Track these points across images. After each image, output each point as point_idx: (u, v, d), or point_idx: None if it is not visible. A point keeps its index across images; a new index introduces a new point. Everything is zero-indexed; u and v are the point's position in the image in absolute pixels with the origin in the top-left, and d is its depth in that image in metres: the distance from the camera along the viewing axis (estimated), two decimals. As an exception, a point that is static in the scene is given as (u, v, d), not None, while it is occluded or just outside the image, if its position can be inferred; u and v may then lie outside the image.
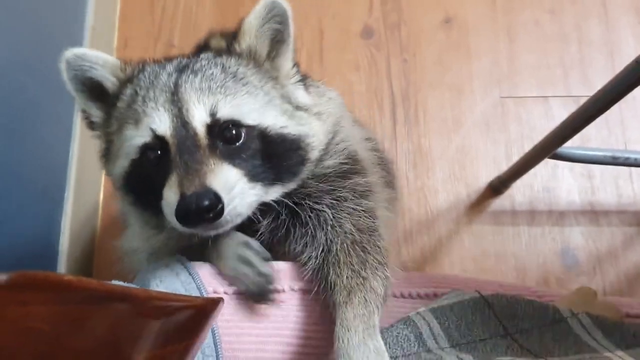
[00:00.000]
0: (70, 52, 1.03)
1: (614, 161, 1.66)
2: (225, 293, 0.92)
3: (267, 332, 0.91)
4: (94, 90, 1.08)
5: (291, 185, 1.03)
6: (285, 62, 1.09)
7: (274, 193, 1.00)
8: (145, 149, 0.98)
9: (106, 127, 1.09)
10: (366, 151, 1.18)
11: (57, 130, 1.74)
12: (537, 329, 0.91)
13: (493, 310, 0.94)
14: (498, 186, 1.92)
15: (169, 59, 1.09)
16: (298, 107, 1.07)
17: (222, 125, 0.96)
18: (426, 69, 2.13)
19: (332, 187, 1.04)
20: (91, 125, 1.12)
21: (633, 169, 1.95)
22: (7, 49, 1.44)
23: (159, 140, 0.96)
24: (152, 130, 0.96)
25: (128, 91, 1.04)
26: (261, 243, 1.02)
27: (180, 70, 1.02)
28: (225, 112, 0.97)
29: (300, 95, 1.09)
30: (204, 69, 1.02)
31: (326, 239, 1.00)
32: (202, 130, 0.95)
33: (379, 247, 1.00)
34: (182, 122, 0.95)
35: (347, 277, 0.93)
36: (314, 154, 1.05)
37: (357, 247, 0.98)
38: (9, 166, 1.42)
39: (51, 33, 1.70)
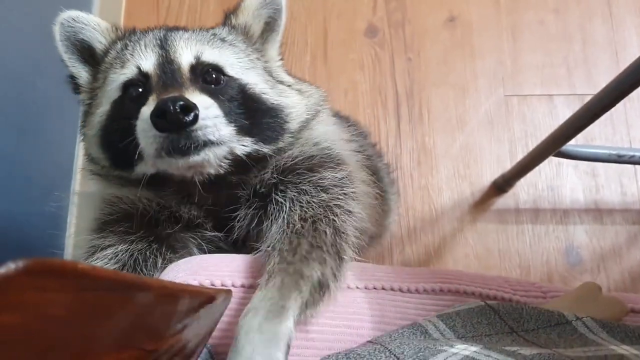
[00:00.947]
0: (65, 14, 1.08)
1: (619, 159, 1.66)
2: (234, 286, 0.93)
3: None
4: (83, 53, 1.11)
5: (265, 147, 1.03)
6: (272, 50, 1.16)
7: (247, 145, 1.00)
8: (128, 85, 1.00)
9: (91, 84, 1.11)
10: (346, 151, 1.17)
11: (64, 128, 1.74)
12: (542, 329, 0.91)
13: (499, 315, 0.94)
14: (502, 184, 1.92)
15: None
16: (280, 82, 1.12)
17: (205, 67, 1.01)
18: (430, 67, 2.13)
19: (298, 181, 1.03)
20: (77, 88, 1.14)
21: (638, 167, 1.95)
22: (18, 49, 1.45)
23: (142, 77, 0.99)
24: (138, 67, 1.00)
25: (118, 46, 1.08)
26: (238, 239, 1.04)
27: (170, 29, 1.09)
28: (209, 57, 1.02)
29: (283, 74, 1.15)
30: (194, 30, 1.08)
31: (277, 232, 0.97)
32: (186, 67, 0.99)
33: (319, 232, 0.95)
34: (167, 60, 1.00)
35: (272, 264, 0.89)
36: (293, 125, 1.07)
37: (293, 235, 0.94)
38: (17, 162, 1.43)
39: (58, 32, 1.71)
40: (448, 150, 2.02)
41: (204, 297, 0.62)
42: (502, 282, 1.12)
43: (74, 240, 1.70)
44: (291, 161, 1.05)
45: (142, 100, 0.96)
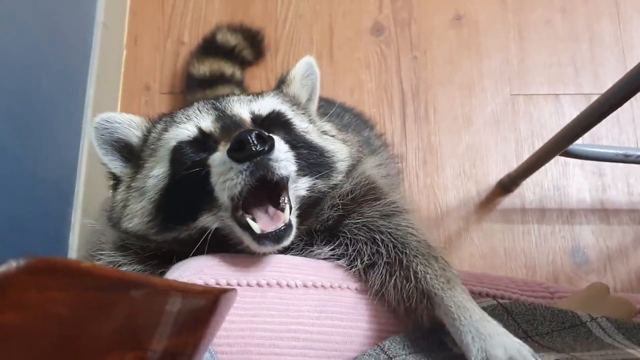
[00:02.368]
0: (98, 117, 1.10)
1: (626, 159, 1.65)
2: (239, 285, 0.92)
3: (281, 327, 0.91)
4: (122, 150, 1.13)
5: (320, 183, 1.05)
6: (313, 109, 1.26)
7: (305, 182, 1.03)
8: (188, 143, 1.03)
9: (131, 175, 1.12)
10: (379, 178, 1.19)
11: (69, 126, 1.74)
12: (556, 332, 0.90)
13: (512, 316, 0.93)
14: (508, 184, 1.91)
15: None
16: (324, 132, 1.17)
17: (264, 118, 1.07)
18: (436, 66, 2.12)
19: (361, 210, 1.05)
20: (117, 185, 1.14)
21: (644, 167, 1.94)
22: (23, 48, 1.45)
23: (203, 135, 1.02)
24: (197, 127, 1.04)
25: (159, 126, 1.11)
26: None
27: (215, 98, 1.14)
28: (265, 107, 1.09)
29: (327, 125, 1.21)
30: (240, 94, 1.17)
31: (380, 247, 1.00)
32: (247, 118, 1.05)
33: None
34: (226, 116, 1.05)
35: (438, 269, 0.94)
36: (340, 166, 1.10)
37: (424, 247, 0.99)
38: (22, 161, 1.43)
39: (62, 30, 1.71)
40: (454, 149, 2.01)
41: (209, 296, 0.62)
42: (509, 283, 1.11)
43: (79, 240, 1.71)
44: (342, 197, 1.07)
45: (209, 152, 0.98)
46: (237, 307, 0.90)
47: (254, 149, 0.89)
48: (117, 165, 1.13)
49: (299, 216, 1.02)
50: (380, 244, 0.99)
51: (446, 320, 0.88)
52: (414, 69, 2.12)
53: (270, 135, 0.92)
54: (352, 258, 1.01)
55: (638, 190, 1.94)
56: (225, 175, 0.92)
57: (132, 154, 1.12)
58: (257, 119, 1.05)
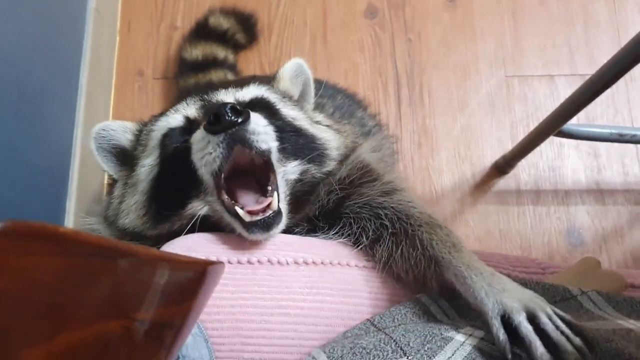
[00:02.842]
0: (96, 127, 1.15)
1: (620, 138, 1.64)
2: (230, 262, 0.92)
3: (272, 303, 0.91)
4: (118, 155, 1.18)
5: (313, 169, 1.06)
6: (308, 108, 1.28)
7: (296, 167, 1.03)
8: (173, 130, 1.06)
9: (127, 176, 1.14)
10: (375, 160, 1.20)
11: (62, 113, 1.74)
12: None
13: None
14: (503, 166, 1.91)
15: None
16: (317, 122, 1.18)
17: (247, 102, 1.09)
18: (431, 49, 2.11)
19: (361, 191, 1.07)
20: (113, 186, 1.19)
21: (639, 147, 1.94)
22: (15, 34, 1.44)
23: (189, 123, 1.05)
24: (184, 117, 1.07)
25: (150, 125, 1.15)
26: None
27: (204, 91, 1.17)
28: (249, 94, 1.12)
29: (320, 116, 1.23)
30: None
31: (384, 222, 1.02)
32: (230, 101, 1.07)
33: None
34: (210, 104, 1.09)
35: (443, 235, 0.97)
36: (333, 153, 1.11)
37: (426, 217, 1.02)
38: (15, 148, 1.43)
39: (54, 17, 1.70)
40: (449, 132, 2.00)
41: (196, 267, 0.61)
42: (501, 259, 1.12)
43: (73, 227, 1.71)
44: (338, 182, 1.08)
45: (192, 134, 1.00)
46: (228, 284, 0.90)
47: (227, 118, 0.90)
48: (115, 170, 1.17)
49: (293, 204, 1.02)
50: (384, 218, 1.01)
51: (457, 281, 0.89)
52: (408, 52, 2.11)
53: (247, 109, 0.94)
54: (357, 235, 1.03)
55: (633, 170, 1.93)
56: (204, 151, 0.93)
57: (128, 157, 1.16)
58: (241, 105, 1.06)
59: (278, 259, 0.95)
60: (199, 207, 0.99)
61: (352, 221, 1.04)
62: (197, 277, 0.63)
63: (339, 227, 1.05)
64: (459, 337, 0.81)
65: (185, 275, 0.62)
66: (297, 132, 1.08)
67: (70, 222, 1.70)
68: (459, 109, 2.03)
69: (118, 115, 2.02)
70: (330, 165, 1.09)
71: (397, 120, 2.02)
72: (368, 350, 0.79)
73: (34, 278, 0.45)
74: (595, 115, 1.99)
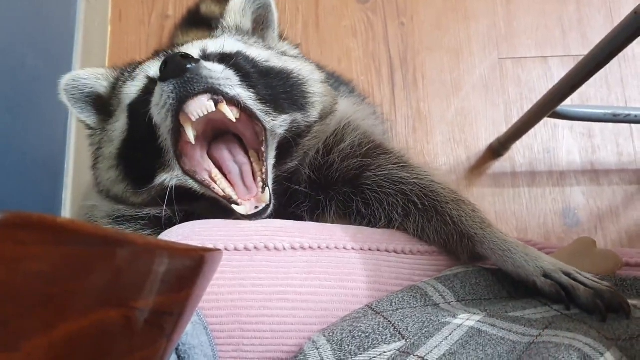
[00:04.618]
0: (63, 79, 1.12)
1: (614, 118, 1.65)
2: (227, 249, 0.92)
3: (270, 289, 0.92)
4: (97, 103, 1.15)
5: (300, 117, 1.06)
6: (272, 41, 1.22)
7: (285, 120, 1.03)
8: (137, 96, 1.04)
9: (104, 125, 1.13)
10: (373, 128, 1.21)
11: (56, 104, 1.72)
12: None
13: (496, 277, 0.95)
14: (498, 148, 1.91)
15: None
16: (284, 53, 1.16)
17: (211, 57, 1.03)
18: (424, 32, 2.11)
19: (378, 162, 1.08)
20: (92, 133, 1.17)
21: (634, 126, 1.94)
22: (7, 24, 1.43)
23: (152, 83, 1.01)
24: (146, 77, 1.04)
25: (125, 74, 1.12)
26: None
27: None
28: (214, 48, 1.06)
29: (287, 47, 1.20)
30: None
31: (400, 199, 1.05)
32: (196, 55, 1.01)
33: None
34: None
35: (470, 211, 1.01)
36: (313, 88, 1.10)
37: (449, 193, 1.05)
38: (9, 140, 1.42)
39: (46, 7, 1.69)
40: (443, 115, 2.00)
41: (193, 255, 0.62)
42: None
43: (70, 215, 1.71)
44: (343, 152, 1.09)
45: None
46: (226, 272, 0.90)
47: (176, 63, 0.90)
48: (94, 120, 1.15)
49: (277, 157, 1.05)
50: (411, 194, 1.04)
51: (493, 254, 0.95)
52: (401, 36, 2.10)
53: (197, 57, 0.94)
54: (386, 213, 1.06)
55: (628, 150, 1.94)
56: (158, 101, 0.93)
57: (104, 104, 1.14)
58: (208, 58, 1.03)
59: (275, 244, 0.95)
60: (167, 179, 1.00)
61: (377, 195, 1.06)
62: (195, 264, 0.63)
63: (356, 202, 1.08)
64: (457, 321, 0.82)
65: (183, 263, 0.62)
66: (276, 74, 1.07)
67: (67, 212, 1.70)
68: (453, 92, 2.03)
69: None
70: (313, 114, 1.09)
71: (391, 105, 2.02)
72: (367, 334, 0.79)
73: (28, 267, 0.45)
74: (589, 96, 1.99)
